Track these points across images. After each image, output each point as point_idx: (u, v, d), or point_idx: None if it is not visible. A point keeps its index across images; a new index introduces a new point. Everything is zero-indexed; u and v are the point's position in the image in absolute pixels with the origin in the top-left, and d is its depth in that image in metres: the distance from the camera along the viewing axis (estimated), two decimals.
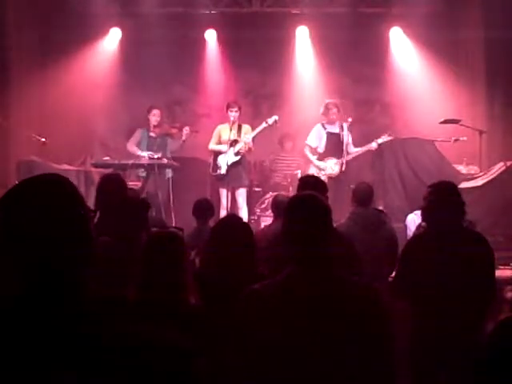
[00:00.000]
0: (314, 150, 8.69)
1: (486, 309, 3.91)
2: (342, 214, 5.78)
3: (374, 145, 8.54)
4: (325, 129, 8.60)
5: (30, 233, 1.50)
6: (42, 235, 1.50)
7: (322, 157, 8.62)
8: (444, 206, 3.99)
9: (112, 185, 4.58)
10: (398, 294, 3.94)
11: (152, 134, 8.81)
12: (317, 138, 8.65)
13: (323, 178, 8.33)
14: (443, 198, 4.02)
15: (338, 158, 8.49)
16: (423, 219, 4.24)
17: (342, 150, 8.49)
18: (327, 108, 8.57)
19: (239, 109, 8.57)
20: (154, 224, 4.39)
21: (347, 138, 8.56)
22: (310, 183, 4.32)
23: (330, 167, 8.50)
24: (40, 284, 1.51)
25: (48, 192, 1.56)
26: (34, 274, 1.51)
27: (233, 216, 4.36)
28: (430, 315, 3.81)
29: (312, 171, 8.49)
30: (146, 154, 8.60)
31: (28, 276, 1.51)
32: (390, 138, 8.62)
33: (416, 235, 4.45)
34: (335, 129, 8.58)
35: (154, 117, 8.90)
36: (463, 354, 3.69)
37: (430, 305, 3.82)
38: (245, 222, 4.01)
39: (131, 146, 8.88)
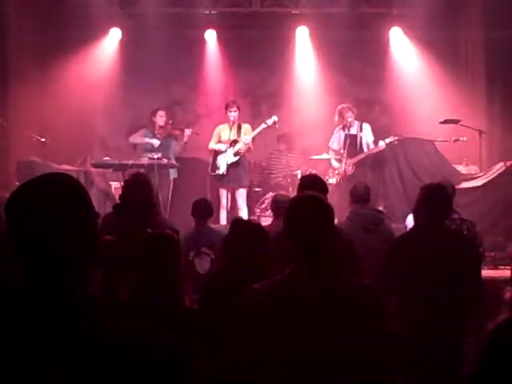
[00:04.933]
0: (337, 152, 8.77)
1: (471, 306, 4.02)
2: None
3: (381, 144, 8.54)
4: (344, 131, 8.64)
5: (36, 232, 1.50)
6: (48, 235, 1.51)
7: (341, 158, 8.68)
8: (428, 207, 4.09)
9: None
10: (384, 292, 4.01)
11: (157, 136, 8.84)
12: (338, 141, 8.76)
13: (336, 177, 8.47)
14: (427, 199, 4.11)
15: (351, 158, 8.54)
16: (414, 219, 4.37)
17: (360, 150, 8.55)
18: (341, 114, 8.58)
19: (238, 108, 8.57)
20: (157, 224, 4.39)
21: (366, 138, 8.59)
22: (311, 182, 4.32)
23: (344, 167, 8.53)
24: (42, 282, 1.51)
25: (55, 192, 1.56)
26: (39, 272, 1.52)
27: (246, 220, 4.35)
28: (416, 313, 3.89)
29: (330, 171, 8.72)
30: (156, 142, 8.71)
31: (32, 274, 1.52)
32: (396, 138, 8.63)
33: (401, 235, 4.55)
34: (353, 130, 8.60)
35: (161, 118, 8.94)
36: (449, 352, 3.81)
37: (415, 303, 3.91)
38: (259, 224, 4.02)
39: (134, 138, 8.95)
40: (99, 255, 1.63)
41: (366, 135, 8.64)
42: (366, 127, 8.67)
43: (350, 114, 8.55)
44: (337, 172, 8.58)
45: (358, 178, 8.19)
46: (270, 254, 3.77)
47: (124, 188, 4.69)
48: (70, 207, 1.56)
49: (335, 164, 8.71)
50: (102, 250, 1.64)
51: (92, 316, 1.51)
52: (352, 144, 8.53)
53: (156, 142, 8.76)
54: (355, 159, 8.53)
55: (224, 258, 3.80)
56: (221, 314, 2.81)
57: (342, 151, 8.71)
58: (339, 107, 8.72)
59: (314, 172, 8.80)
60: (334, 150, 8.86)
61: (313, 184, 4.25)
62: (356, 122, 8.64)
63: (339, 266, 2.42)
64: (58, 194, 1.55)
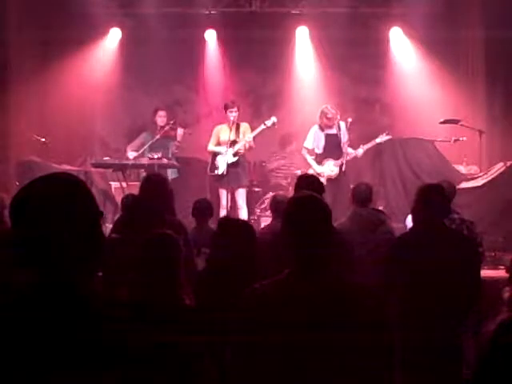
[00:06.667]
0: (311, 152, 8.64)
1: (471, 306, 4.05)
2: (342, 214, 5.79)
3: (360, 151, 8.50)
4: (322, 131, 8.54)
5: (40, 230, 1.51)
6: (53, 233, 1.51)
7: (320, 158, 8.54)
8: (426, 207, 4.10)
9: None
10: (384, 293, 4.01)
11: (157, 136, 8.83)
12: (314, 140, 8.59)
13: (322, 180, 8.37)
14: (425, 199, 4.11)
15: (337, 159, 8.44)
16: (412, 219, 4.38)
17: (341, 150, 8.45)
18: (325, 115, 8.46)
19: (238, 109, 8.56)
20: (171, 225, 4.41)
21: (344, 137, 8.52)
22: (307, 183, 4.34)
23: (329, 169, 8.45)
24: (46, 281, 1.51)
25: (61, 191, 1.56)
26: (43, 270, 1.52)
27: (232, 218, 4.39)
28: (415, 313, 3.90)
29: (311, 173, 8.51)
30: (133, 154, 8.69)
31: (37, 273, 1.52)
32: (388, 138, 8.61)
33: (400, 235, 4.57)
34: (333, 130, 8.53)
35: (160, 118, 8.97)
36: (449, 351, 3.83)
37: (414, 303, 3.92)
38: (246, 222, 4.05)
39: (128, 150, 8.98)
40: (107, 252, 1.63)
41: (344, 134, 8.55)
42: (343, 125, 8.58)
43: (330, 115, 8.37)
44: (322, 176, 8.38)
45: (346, 179, 8.19)
46: (265, 253, 3.80)
47: (140, 189, 4.76)
48: (78, 207, 1.56)
49: (317, 168, 8.45)
50: (109, 248, 1.65)
51: (94, 315, 1.51)
52: (335, 144, 8.47)
53: (132, 155, 8.73)
54: (346, 158, 8.45)
55: (212, 256, 3.82)
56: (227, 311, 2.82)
57: (316, 151, 8.58)
58: (323, 107, 8.59)
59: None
60: (308, 150, 8.64)
61: (309, 184, 4.26)
62: (336, 122, 8.51)
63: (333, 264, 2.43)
64: (65, 194, 1.56)
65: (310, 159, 8.59)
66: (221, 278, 3.45)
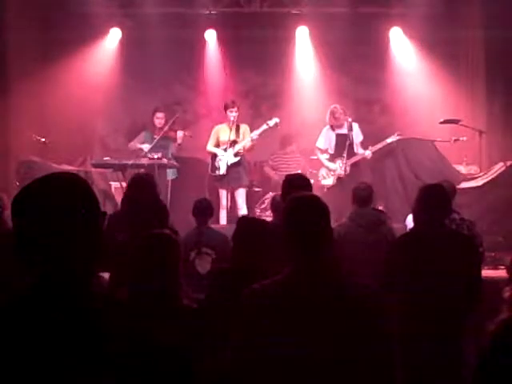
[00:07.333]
0: (324, 152, 8.73)
1: (471, 306, 4.05)
2: (343, 214, 5.80)
3: (368, 152, 8.54)
4: (333, 130, 8.60)
5: (42, 230, 1.51)
6: (54, 234, 1.51)
7: (332, 158, 8.64)
8: (426, 207, 4.10)
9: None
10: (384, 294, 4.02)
11: (155, 136, 8.82)
12: (326, 141, 8.69)
13: (332, 178, 8.46)
14: (425, 199, 4.12)
15: (347, 159, 8.51)
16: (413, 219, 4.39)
17: (352, 149, 8.50)
18: (333, 115, 8.52)
19: (238, 109, 8.57)
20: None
21: (355, 138, 8.57)
22: (296, 181, 4.34)
23: (339, 167, 8.52)
24: (46, 281, 1.52)
25: (62, 191, 1.56)
26: (43, 270, 1.52)
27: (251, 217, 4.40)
28: (416, 313, 3.90)
29: (322, 172, 8.64)
30: (146, 146, 8.67)
31: (38, 272, 1.52)
32: (398, 138, 8.65)
33: (401, 235, 4.57)
34: (344, 130, 8.57)
35: (158, 119, 8.97)
36: (449, 352, 3.85)
37: (415, 303, 3.92)
38: (264, 220, 4.07)
39: (133, 145, 8.98)
40: (112, 251, 1.64)
41: (357, 135, 8.61)
42: (356, 126, 8.63)
43: (338, 115, 8.46)
44: (332, 173, 8.55)
45: (355, 179, 8.20)
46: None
47: (128, 190, 4.74)
48: (79, 207, 1.56)
49: (330, 165, 8.63)
50: (115, 246, 1.65)
51: (94, 315, 1.51)
52: (345, 144, 8.50)
53: (146, 147, 8.75)
54: (352, 160, 8.50)
55: (234, 255, 3.81)
56: (228, 311, 2.82)
57: (329, 151, 8.67)
58: (332, 107, 8.65)
59: (313, 171, 8.85)
60: (320, 150, 8.76)
61: (299, 182, 4.26)
62: (345, 123, 8.57)
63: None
64: (66, 194, 1.56)
65: (323, 158, 8.73)
66: (247, 277, 3.43)
